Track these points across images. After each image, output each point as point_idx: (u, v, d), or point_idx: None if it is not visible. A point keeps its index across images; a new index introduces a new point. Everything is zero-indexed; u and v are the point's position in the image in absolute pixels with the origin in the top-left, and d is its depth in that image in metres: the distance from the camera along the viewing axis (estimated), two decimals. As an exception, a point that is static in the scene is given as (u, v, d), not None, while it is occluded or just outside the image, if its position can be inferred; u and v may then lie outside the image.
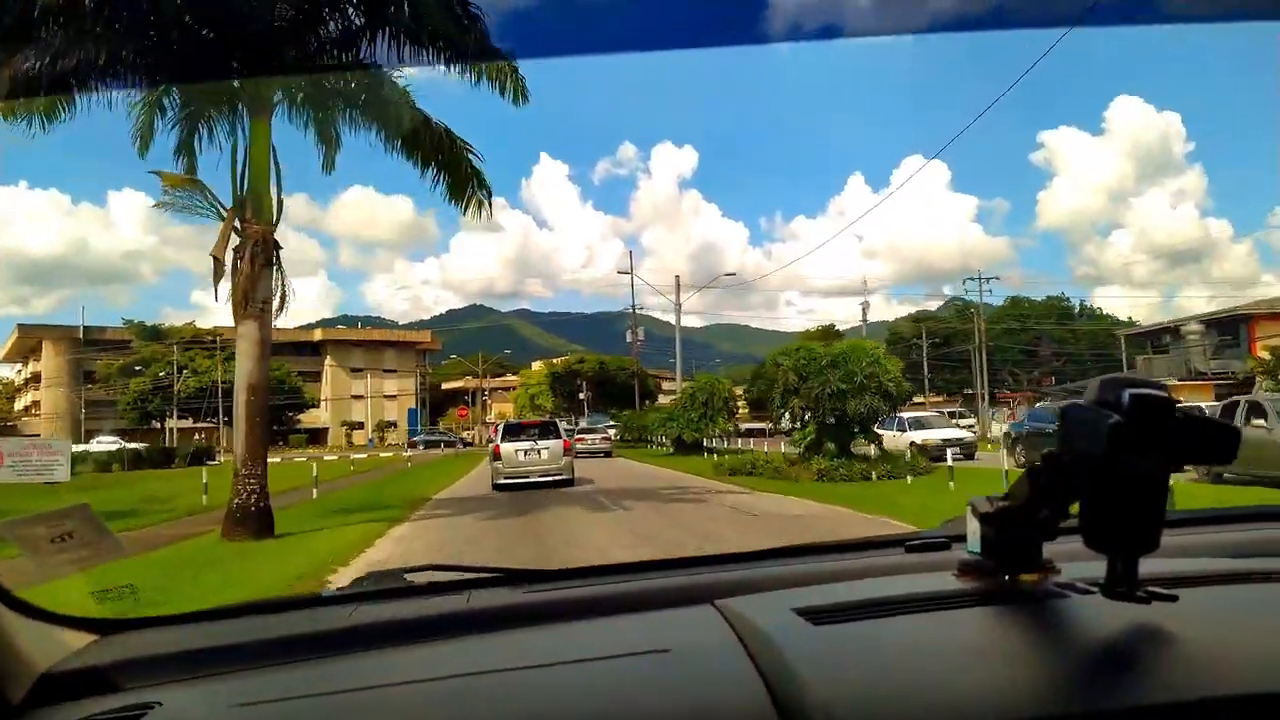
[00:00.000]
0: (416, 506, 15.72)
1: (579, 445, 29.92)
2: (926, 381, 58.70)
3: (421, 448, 52.25)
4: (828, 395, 19.00)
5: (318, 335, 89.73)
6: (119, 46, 9.84)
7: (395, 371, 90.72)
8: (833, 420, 19.69)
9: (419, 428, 55.77)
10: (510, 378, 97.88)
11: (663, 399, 63.64)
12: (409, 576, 1.55)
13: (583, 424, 48.58)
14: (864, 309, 57.32)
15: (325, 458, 39.50)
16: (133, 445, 44.99)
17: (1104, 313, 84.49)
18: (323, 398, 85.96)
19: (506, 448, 18.61)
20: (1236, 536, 1.50)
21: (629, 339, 53.56)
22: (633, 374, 63.88)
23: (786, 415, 21.57)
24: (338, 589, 1.58)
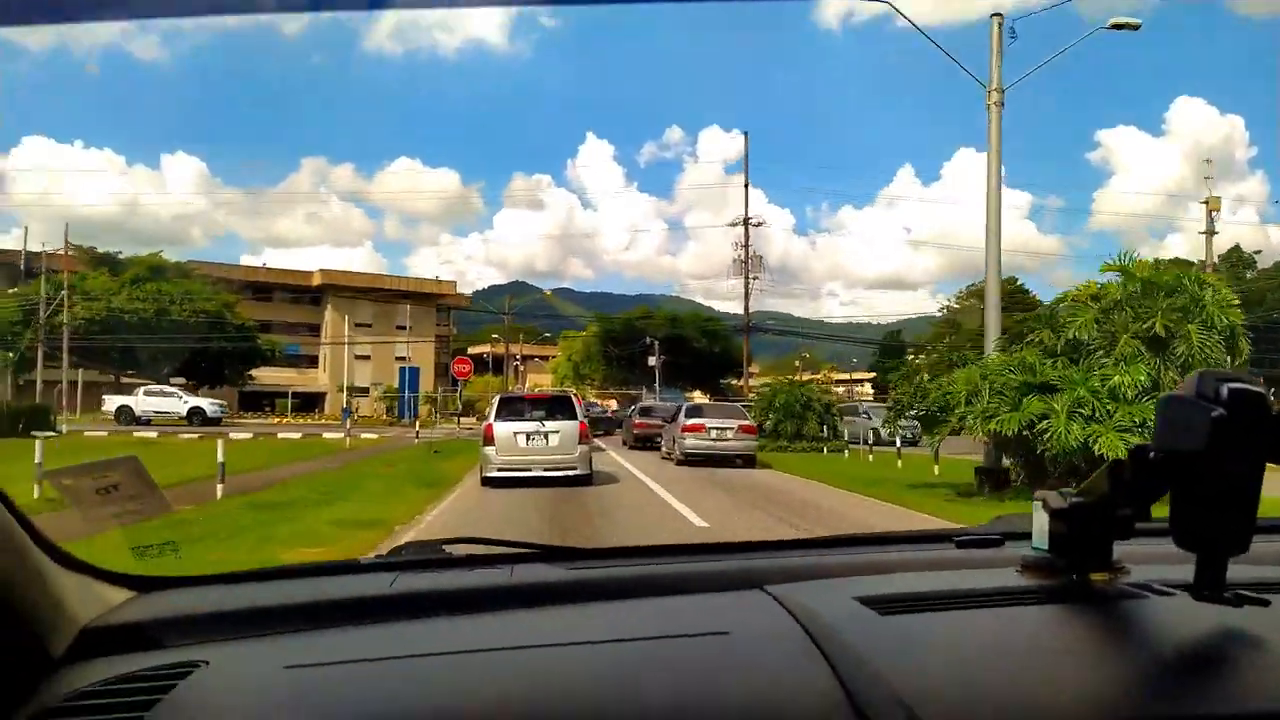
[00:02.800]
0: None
1: (681, 444, 18.91)
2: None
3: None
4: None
5: (317, 279, 72.88)
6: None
7: (410, 329, 74.71)
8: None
9: (417, 394, 38.37)
10: (550, 348, 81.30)
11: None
12: (448, 549, 1.52)
13: (650, 401, 32.22)
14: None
15: (283, 434, 26.95)
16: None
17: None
18: (321, 356, 70.22)
19: (502, 430, 13.44)
20: None
21: (735, 263, 35.59)
22: (719, 335, 45.65)
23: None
24: (376, 556, 1.56)
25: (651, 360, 45.13)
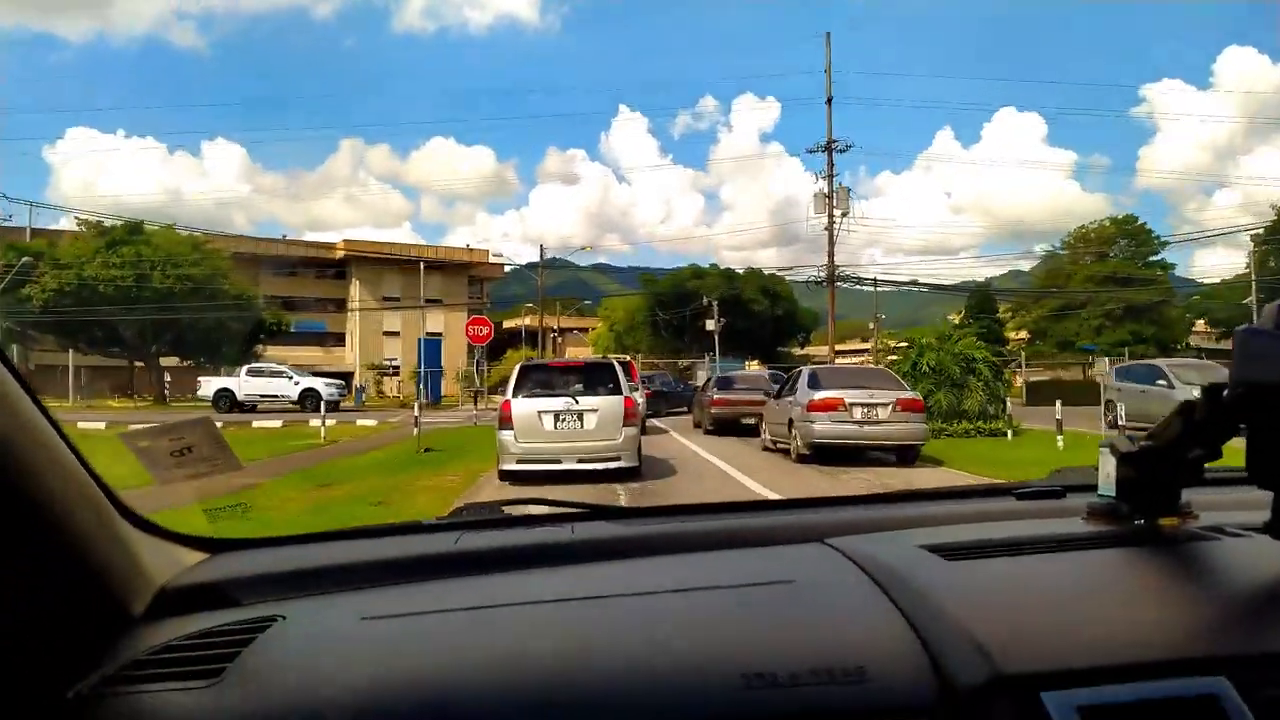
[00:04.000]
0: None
1: (808, 429, 12.27)
2: None
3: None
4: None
5: (340, 251, 67.52)
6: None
7: (441, 303, 69.17)
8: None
9: (439, 370, 32.12)
10: (590, 319, 75.03)
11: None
12: (506, 509, 1.53)
13: (733, 371, 26.21)
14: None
15: (259, 423, 22.09)
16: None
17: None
18: (350, 333, 65.37)
19: (524, 409, 10.15)
20: None
21: (816, 198, 28.45)
22: (780, 296, 38.88)
23: None
24: (437, 518, 1.54)
25: (710, 324, 38.39)
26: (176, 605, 1.08)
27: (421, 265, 58.06)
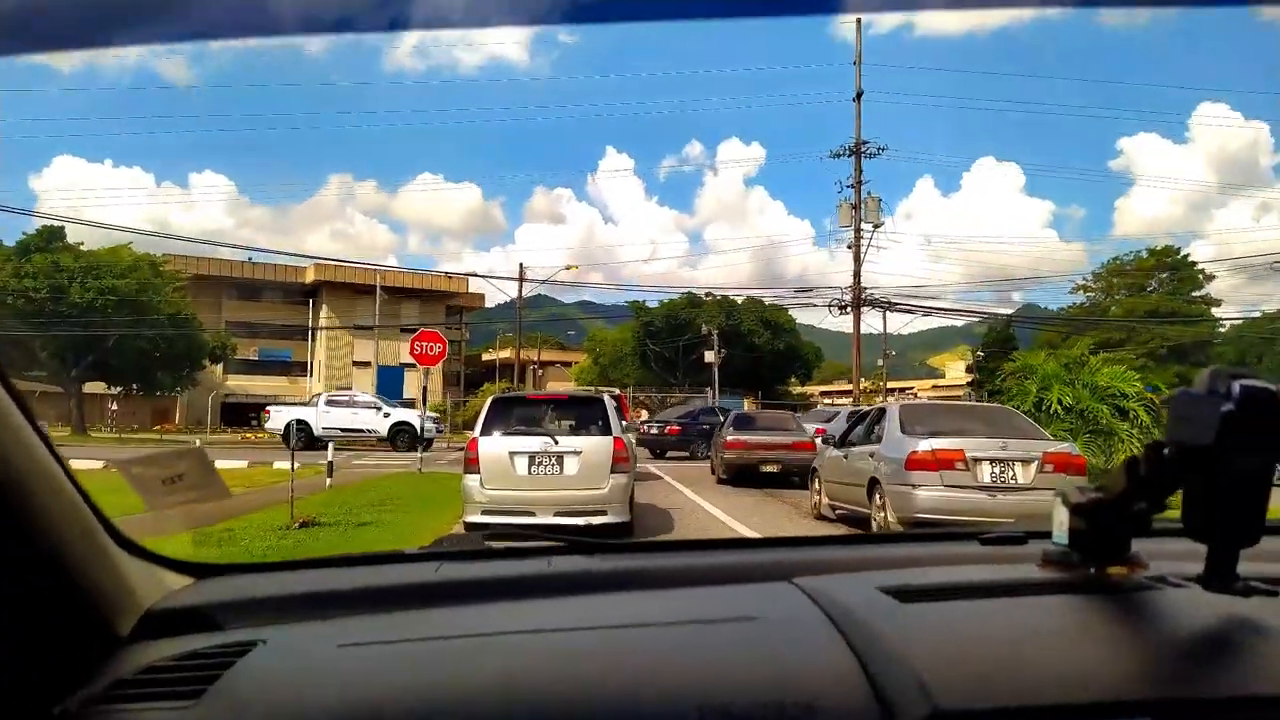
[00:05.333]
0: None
1: (906, 496, 7.90)
2: None
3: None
4: None
5: (310, 275, 63.23)
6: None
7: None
8: None
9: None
10: (574, 353, 70.76)
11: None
12: (487, 542, 1.57)
13: (750, 409, 23.44)
14: None
15: (223, 463, 12.68)
16: None
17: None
18: (314, 361, 61.13)
19: (493, 449, 8.36)
20: None
21: (842, 207, 24.34)
22: (781, 327, 35.13)
23: None
24: (419, 548, 1.56)
25: (709, 355, 34.20)
26: (161, 627, 1.10)
27: (378, 288, 53.39)
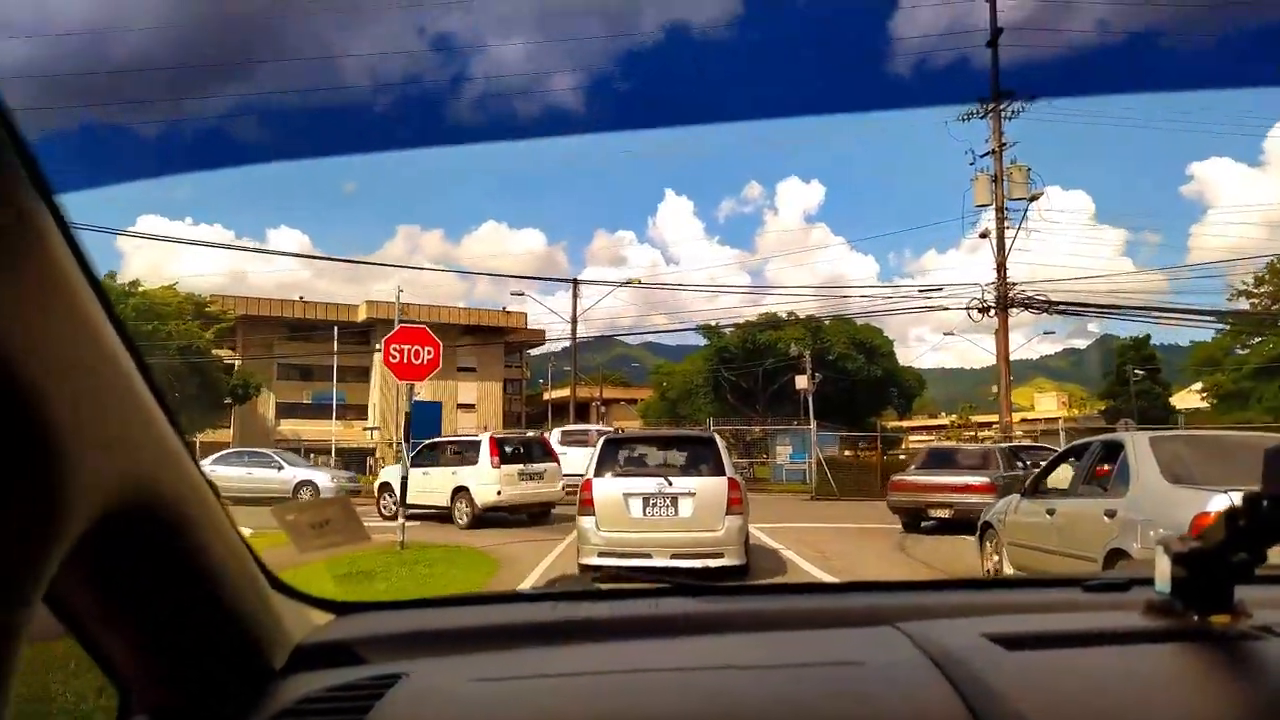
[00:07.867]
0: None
1: None
2: None
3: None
4: None
5: (362, 314, 60.78)
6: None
7: (475, 371, 61.41)
8: None
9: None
10: (639, 390, 66.36)
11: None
12: (597, 584, 1.67)
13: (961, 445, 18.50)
14: None
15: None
16: None
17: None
18: (371, 404, 58.29)
19: (607, 491, 8.37)
20: None
21: (976, 204, 19.08)
22: (877, 350, 29.72)
23: None
24: (534, 588, 1.65)
25: (801, 382, 29.01)
26: (311, 661, 1.18)
27: (397, 319, 49.47)
